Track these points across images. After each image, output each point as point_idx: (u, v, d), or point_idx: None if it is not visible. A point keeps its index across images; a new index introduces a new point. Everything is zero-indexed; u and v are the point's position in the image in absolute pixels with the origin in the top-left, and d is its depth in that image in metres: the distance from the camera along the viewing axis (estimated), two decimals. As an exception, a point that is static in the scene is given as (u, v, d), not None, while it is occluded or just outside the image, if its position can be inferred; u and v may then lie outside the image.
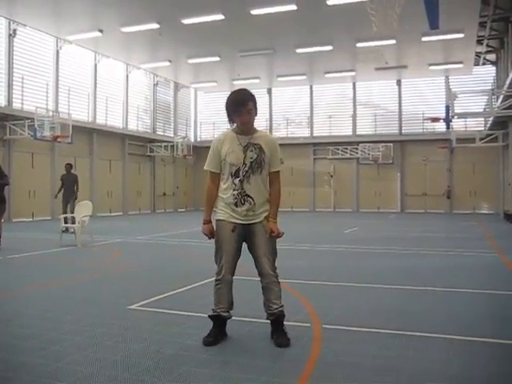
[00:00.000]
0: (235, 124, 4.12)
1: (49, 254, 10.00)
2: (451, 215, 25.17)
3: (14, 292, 6.23)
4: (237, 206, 4.07)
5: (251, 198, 4.07)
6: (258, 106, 4.15)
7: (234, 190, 4.07)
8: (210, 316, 4.19)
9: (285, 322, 4.16)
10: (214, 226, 4.21)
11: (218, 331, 4.13)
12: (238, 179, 4.05)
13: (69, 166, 15.82)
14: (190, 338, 4.18)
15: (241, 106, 4.02)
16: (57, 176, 17.41)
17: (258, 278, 4.25)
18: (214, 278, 4.20)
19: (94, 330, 4.48)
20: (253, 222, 4.10)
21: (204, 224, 4.19)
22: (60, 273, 7.82)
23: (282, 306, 4.14)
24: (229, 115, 4.12)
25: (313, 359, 3.74)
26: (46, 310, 5.22)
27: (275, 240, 4.19)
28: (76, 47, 22.46)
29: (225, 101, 4.13)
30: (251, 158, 4.05)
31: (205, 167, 4.18)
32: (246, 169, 4.05)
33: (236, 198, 4.06)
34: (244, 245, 4.21)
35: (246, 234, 4.12)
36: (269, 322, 4.22)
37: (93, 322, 4.75)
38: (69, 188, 15.28)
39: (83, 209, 11.72)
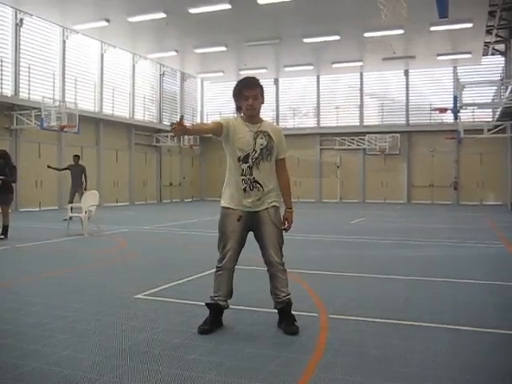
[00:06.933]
0: (242, 112, 4.15)
1: (56, 243, 10.04)
2: (458, 206, 25.06)
3: (21, 281, 6.26)
4: (245, 192, 4.07)
5: (260, 184, 4.08)
6: (265, 96, 4.20)
7: (241, 175, 4.08)
8: (207, 304, 4.20)
9: (291, 312, 4.17)
10: (219, 214, 4.22)
11: (213, 320, 4.15)
12: (246, 165, 4.07)
13: (77, 158, 16.12)
14: (197, 327, 4.18)
15: (248, 89, 4.07)
16: (63, 166, 17.47)
17: (263, 268, 4.25)
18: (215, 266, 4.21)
19: (101, 318, 4.50)
20: (259, 209, 4.11)
21: None
22: (67, 262, 7.85)
23: (289, 294, 4.16)
24: (236, 101, 4.16)
25: (319, 348, 3.74)
26: (53, 299, 5.24)
27: (281, 229, 4.20)
28: (82, 37, 22.41)
29: (232, 90, 4.18)
30: (261, 144, 4.08)
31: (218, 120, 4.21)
32: (256, 155, 4.07)
33: (245, 184, 4.07)
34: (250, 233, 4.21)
35: (252, 222, 4.12)
36: (276, 311, 4.23)
37: (99, 310, 4.77)
38: (76, 179, 15.69)
39: (90, 198, 11.75)
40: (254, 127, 4.12)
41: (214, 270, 4.22)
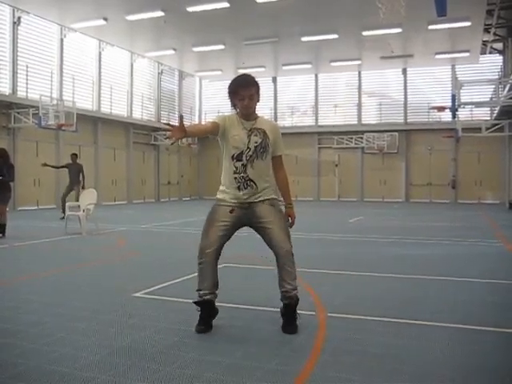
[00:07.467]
0: (238, 109, 4.11)
1: (54, 241, 10.03)
2: (456, 205, 25.09)
3: (20, 279, 6.25)
4: (239, 190, 4.04)
5: (254, 182, 4.04)
6: (261, 94, 4.15)
7: (235, 173, 4.04)
8: (195, 302, 4.14)
9: (296, 310, 4.11)
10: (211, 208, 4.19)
11: (207, 316, 4.10)
12: (240, 163, 4.02)
13: (74, 156, 16.08)
14: (195, 325, 4.17)
15: (243, 89, 4.00)
16: (61, 164, 17.45)
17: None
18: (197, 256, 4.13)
19: (99, 317, 4.49)
20: (255, 200, 4.06)
21: None
22: (65, 260, 7.84)
23: (296, 288, 4.07)
24: (231, 98, 4.10)
25: (318, 347, 3.74)
26: (51, 297, 5.24)
27: (284, 218, 4.15)
28: (80, 35, 22.37)
29: (227, 87, 4.12)
30: (256, 142, 4.04)
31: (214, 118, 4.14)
32: (250, 153, 4.02)
33: (239, 182, 4.03)
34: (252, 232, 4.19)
35: (248, 216, 4.07)
36: (278, 307, 4.19)
37: (98, 309, 4.77)
38: (74, 177, 15.65)
39: (88, 197, 11.74)
40: (248, 124, 4.07)
41: (197, 260, 4.15)
